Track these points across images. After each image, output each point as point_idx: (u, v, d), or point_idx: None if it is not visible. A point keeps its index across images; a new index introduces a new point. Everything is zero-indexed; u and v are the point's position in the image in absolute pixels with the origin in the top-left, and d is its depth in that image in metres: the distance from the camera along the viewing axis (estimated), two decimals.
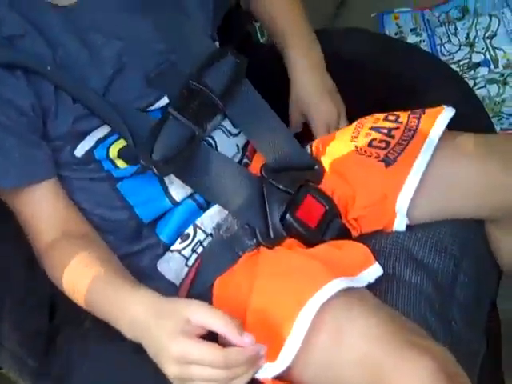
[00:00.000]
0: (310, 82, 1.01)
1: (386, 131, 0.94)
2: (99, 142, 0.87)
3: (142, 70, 0.89)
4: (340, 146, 0.95)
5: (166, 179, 0.88)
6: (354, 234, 0.92)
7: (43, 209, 0.86)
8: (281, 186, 0.89)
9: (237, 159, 0.93)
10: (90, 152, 0.87)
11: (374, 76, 1.07)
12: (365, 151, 0.93)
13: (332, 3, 1.78)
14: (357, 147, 0.94)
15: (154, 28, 0.90)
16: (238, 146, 0.94)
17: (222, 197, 0.89)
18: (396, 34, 1.65)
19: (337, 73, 1.04)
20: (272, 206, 0.89)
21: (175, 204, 0.89)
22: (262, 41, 1.38)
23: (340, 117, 1.02)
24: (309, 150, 0.98)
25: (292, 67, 1.02)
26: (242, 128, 0.94)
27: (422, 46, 1.60)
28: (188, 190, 0.89)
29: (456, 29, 1.64)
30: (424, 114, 0.93)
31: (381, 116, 0.96)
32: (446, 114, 0.92)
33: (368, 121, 0.97)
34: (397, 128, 0.93)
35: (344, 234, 0.90)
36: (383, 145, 0.92)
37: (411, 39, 1.63)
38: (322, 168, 0.94)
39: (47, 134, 0.86)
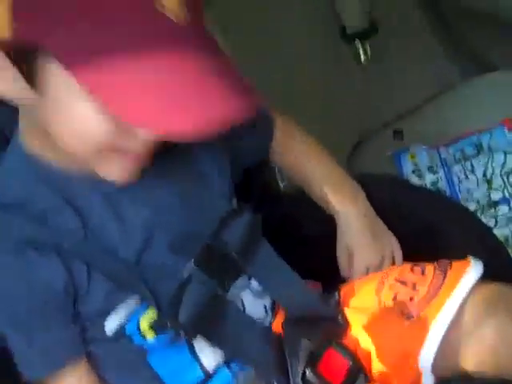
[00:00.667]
0: (358, 231, 1.01)
1: (411, 285, 0.93)
2: (129, 316, 0.86)
3: (168, 237, 0.89)
4: (364, 299, 0.94)
5: (196, 347, 0.87)
6: None
7: None
8: (300, 339, 0.87)
9: (267, 320, 0.93)
10: (121, 328, 0.86)
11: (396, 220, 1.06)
12: (389, 305, 0.92)
13: (348, 143, 1.80)
14: (380, 302, 0.93)
15: (178, 197, 0.91)
16: (265, 306, 0.93)
17: (245, 354, 0.88)
18: (413, 172, 1.66)
19: None
20: (292, 362, 0.86)
21: (207, 373, 0.87)
22: (281, 185, 1.38)
23: (385, 259, 1.02)
24: (336, 297, 0.96)
25: (340, 216, 1.02)
26: (262, 285, 0.94)
27: (439, 185, 1.61)
28: (219, 358, 0.87)
29: (472, 166, 1.64)
30: (451, 268, 0.92)
31: (407, 267, 0.95)
32: (474, 271, 0.91)
33: (394, 271, 0.96)
34: (422, 283, 0.92)
35: None
36: (407, 300, 0.91)
37: (428, 178, 1.64)
38: (346, 320, 0.91)
39: (77, 312, 0.84)
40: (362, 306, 0.93)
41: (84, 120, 0.73)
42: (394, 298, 0.92)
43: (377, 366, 0.88)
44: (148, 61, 0.67)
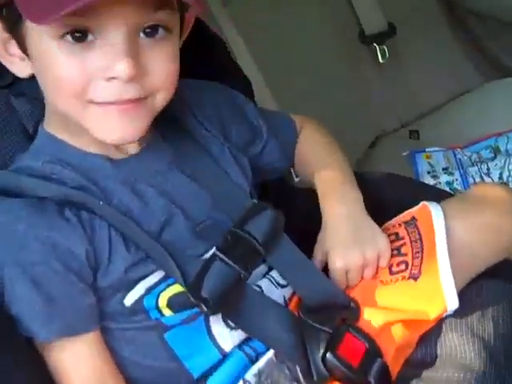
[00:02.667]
0: (337, 231, 0.98)
1: (396, 252, 0.96)
2: (149, 290, 0.87)
3: (189, 223, 0.91)
4: (367, 285, 0.96)
5: (214, 329, 0.88)
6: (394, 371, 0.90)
7: (80, 366, 0.84)
8: (318, 325, 0.89)
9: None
10: (139, 300, 0.87)
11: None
12: (391, 280, 0.94)
13: (362, 144, 1.81)
14: (382, 281, 0.95)
15: (200, 187, 0.94)
16: (284, 297, 0.95)
17: (266, 336, 0.89)
18: (428, 172, 1.66)
19: None
20: (312, 346, 0.88)
21: (224, 355, 0.88)
22: (296, 180, 1.39)
23: (368, 263, 0.96)
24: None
25: (324, 216, 1.00)
26: (283, 276, 0.95)
27: (455, 186, 1.61)
28: (236, 340, 0.89)
29: (488, 169, 1.64)
30: (417, 220, 0.96)
31: None
32: (434, 209, 0.95)
33: None
34: (403, 244, 0.96)
35: (386, 374, 0.89)
36: (403, 267, 0.94)
37: (444, 178, 1.64)
38: (358, 306, 0.93)
39: (97, 282, 0.85)
40: (368, 292, 0.95)
41: (57, 61, 0.80)
42: (391, 272, 0.94)
43: (398, 333, 0.91)
44: None
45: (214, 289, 0.85)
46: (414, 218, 0.97)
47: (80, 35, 0.79)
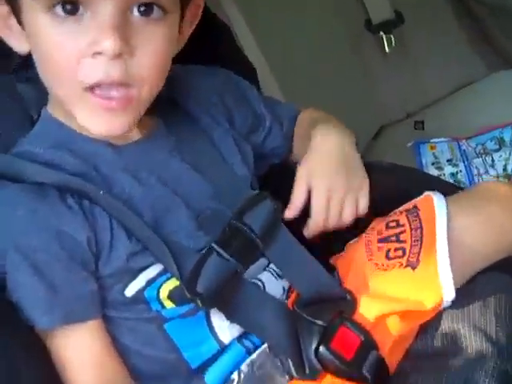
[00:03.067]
0: (329, 156, 0.97)
1: (394, 238, 0.95)
2: (150, 282, 0.86)
3: (190, 212, 0.90)
4: (361, 270, 0.95)
5: (214, 321, 0.88)
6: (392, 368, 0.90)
7: (82, 353, 0.83)
8: (312, 319, 0.88)
9: (283, 299, 0.93)
10: (140, 292, 0.86)
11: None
12: (387, 265, 0.93)
13: (367, 134, 1.80)
14: (377, 264, 0.93)
15: (202, 177, 0.93)
16: (284, 288, 0.94)
17: (260, 329, 0.89)
18: (433, 163, 1.65)
19: None
20: (306, 339, 0.87)
21: (223, 347, 0.88)
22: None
23: (348, 195, 0.97)
24: (336, 276, 0.97)
25: (314, 139, 0.99)
26: (280, 269, 0.94)
27: (459, 177, 1.60)
28: (235, 333, 0.88)
29: (493, 160, 1.63)
30: (419, 209, 0.95)
31: (382, 226, 0.97)
32: (439, 200, 0.95)
33: (372, 235, 0.97)
34: (403, 232, 0.94)
35: (382, 366, 0.88)
36: (400, 253, 0.93)
37: (448, 170, 1.63)
38: (354, 298, 0.92)
39: (98, 270, 0.84)
40: (363, 277, 0.94)
41: (48, 35, 0.79)
42: (387, 256, 0.93)
43: (394, 325, 0.90)
44: None
45: (209, 284, 0.84)
46: (416, 207, 0.96)
47: (70, 7, 0.78)
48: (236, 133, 1.01)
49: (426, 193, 0.97)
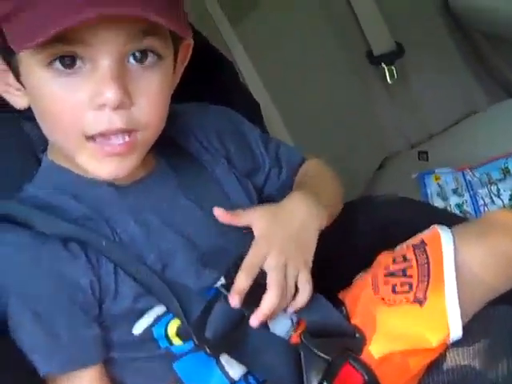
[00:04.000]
0: (280, 220, 0.91)
1: (401, 273, 0.94)
2: (158, 319, 0.86)
3: (196, 252, 0.89)
4: (368, 305, 0.94)
5: (222, 357, 0.87)
6: None
7: None
8: (318, 352, 0.87)
9: (288, 334, 0.92)
10: (148, 329, 0.86)
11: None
12: (393, 300, 0.92)
13: (371, 165, 1.80)
14: (384, 299, 0.93)
15: (205, 214, 0.92)
16: (292, 320, 0.93)
17: (265, 370, 0.88)
18: (438, 194, 1.65)
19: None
20: (309, 373, 0.86)
21: (233, 382, 0.87)
22: None
23: (288, 272, 0.90)
24: (344, 311, 0.95)
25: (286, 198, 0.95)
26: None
27: (465, 207, 1.60)
28: (244, 370, 0.88)
29: (498, 190, 1.63)
30: (426, 244, 0.95)
31: (388, 260, 0.97)
32: (446, 235, 0.94)
33: (378, 269, 0.96)
34: (410, 267, 0.94)
35: None
36: (407, 288, 0.92)
37: (453, 200, 1.62)
38: (363, 336, 0.91)
39: (103, 313, 0.84)
40: (370, 313, 0.93)
41: (47, 91, 0.80)
42: (394, 291, 0.92)
43: (400, 365, 0.89)
44: None
45: (217, 329, 0.84)
46: (423, 242, 0.96)
47: (68, 61, 0.79)
48: (237, 171, 1.00)
49: (433, 227, 0.97)
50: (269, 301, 0.87)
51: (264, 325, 0.89)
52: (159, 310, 0.86)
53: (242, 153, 1.02)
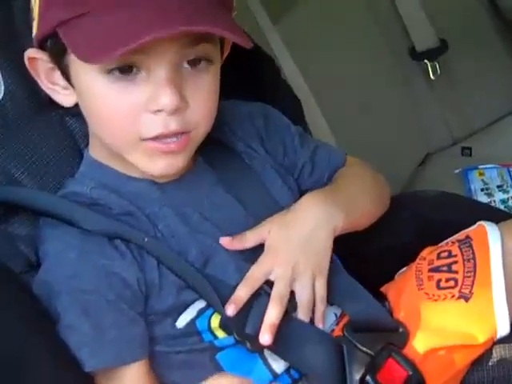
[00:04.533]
0: (290, 229, 0.90)
1: (446, 268, 0.93)
2: (201, 312, 0.86)
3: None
4: (412, 300, 0.93)
5: (266, 351, 0.87)
6: None
7: None
8: (361, 347, 0.87)
9: (333, 326, 0.92)
10: (192, 322, 0.86)
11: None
12: (438, 295, 0.91)
13: (413, 161, 1.79)
14: (428, 294, 0.92)
15: (244, 209, 0.94)
16: (336, 314, 0.93)
17: (307, 365, 0.88)
18: (482, 190, 1.63)
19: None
20: (352, 367, 0.86)
21: (275, 376, 0.87)
22: None
23: (298, 281, 0.89)
24: (387, 306, 0.95)
25: (298, 203, 0.93)
26: (331, 297, 0.93)
27: (510, 203, 1.58)
28: (287, 363, 0.87)
29: None
30: (472, 240, 0.94)
31: (433, 255, 0.96)
32: (492, 231, 0.93)
33: (422, 264, 0.96)
34: (455, 262, 0.93)
35: None
36: (452, 283, 0.91)
37: (499, 196, 1.61)
38: (407, 330, 0.91)
39: (149, 308, 0.85)
40: (414, 307, 0.92)
41: (104, 96, 0.82)
42: (438, 286, 0.92)
43: (445, 361, 0.89)
44: None
45: (257, 326, 0.84)
46: (469, 237, 0.95)
47: (126, 69, 0.81)
48: (275, 165, 1.00)
49: (479, 223, 0.96)
50: (268, 313, 0.85)
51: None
52: (202, 303, 0.87)
53: (277, 147, 1.01)
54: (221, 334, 0.87)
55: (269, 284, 0.88)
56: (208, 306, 0.87)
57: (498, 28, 1.90)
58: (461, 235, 0.97)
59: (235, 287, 0.87)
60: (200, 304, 0.87)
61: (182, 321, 0.86)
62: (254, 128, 1.01)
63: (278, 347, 0.86)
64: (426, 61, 1.84)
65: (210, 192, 0.93)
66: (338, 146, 1.36)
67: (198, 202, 0.92)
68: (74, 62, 0.83)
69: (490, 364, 0.90)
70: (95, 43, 0.77)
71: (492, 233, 0.94)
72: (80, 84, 0.85)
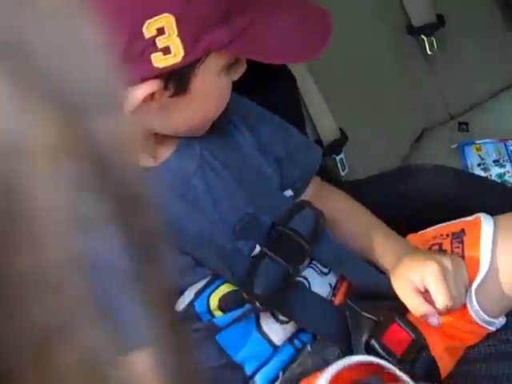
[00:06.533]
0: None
1: None
2: (197, 294, 0.88)
3: (228, 229, 0.92)
4: None
5: (264, 325, 0.89)
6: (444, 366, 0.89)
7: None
8: (364, 313, 0.89)
9: (329, 296, 0.95)
10: (190, 305, 0.88)
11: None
12: None
13: (410, 136, 1.78)
14: None
15: (234, 182, 0.95)
16: (330, 284, 0.96)
17: (313, 324, 0.92)
18: (478, 165, 1.63)
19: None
20: (356, 333, 0.88)
21: (276, 348, 0.90)
22: (343, 174, 1.38)
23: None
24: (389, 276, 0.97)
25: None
26: (329, 266, 0.96)
27: (506, 177, 1.58)
28: (288, 334, 0.90)
29: None
30: (465, 234, 0.95)
31: (425, 248, 0.98)
32: (486, 227, 0.93)
33: None
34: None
35: (433, 367, 0.88)
36: None
37: (495, 171, 1.61)
38: None
39: None
40: None
41: (222, 88, 0.89)
42: None
43: (449, 333, 0.91)
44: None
45: (265, 286, 0.87)
46: (463, 231, 0.96)
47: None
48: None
49: (477, 215, 0.96)
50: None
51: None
52: (199, 284, 0.88)
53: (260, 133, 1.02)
54: (219, 313, 0.89)
55: (271, 249, 0.90)
56: (204, 286, 0.88)
57: (496, 3, 1.89)
58: (456, 226, 0.97)
59: (236, 255, 0.89)
60: (195, 287, 0.88)
61: (180, 304, 0.87)
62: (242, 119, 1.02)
63: (283, 308, 0.90)
64: (422, 36, 1.83)
65: (198, 168, 0.94)
66: (334, 122, 1.36)
67: (189, 181, 0.93)
68: (197, 74, 0.84)
69: (500, 337, 0.91)
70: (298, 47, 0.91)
71: (486, 229, 0.94)
72: (199, 88, 0.86)
